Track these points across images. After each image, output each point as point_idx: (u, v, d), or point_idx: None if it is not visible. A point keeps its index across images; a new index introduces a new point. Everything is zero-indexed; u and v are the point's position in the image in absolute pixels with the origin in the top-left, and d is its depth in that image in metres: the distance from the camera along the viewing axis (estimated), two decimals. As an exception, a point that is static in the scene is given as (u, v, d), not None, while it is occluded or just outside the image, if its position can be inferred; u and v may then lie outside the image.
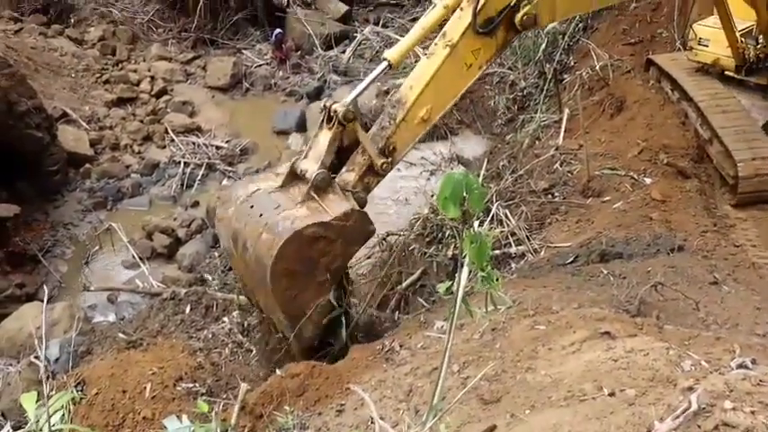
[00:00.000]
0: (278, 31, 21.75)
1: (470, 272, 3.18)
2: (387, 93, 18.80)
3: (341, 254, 8.29)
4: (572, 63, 17.08)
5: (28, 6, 22.05)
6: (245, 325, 10.44)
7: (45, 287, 12.36)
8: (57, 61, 20.03)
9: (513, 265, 10.84)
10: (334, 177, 8.43)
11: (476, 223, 3.15)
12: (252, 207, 8.32)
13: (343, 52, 22.30)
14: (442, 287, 3.12)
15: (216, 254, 13.85)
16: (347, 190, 8.32)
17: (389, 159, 8.58)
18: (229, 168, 17.39)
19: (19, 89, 14.79)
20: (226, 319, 10.68)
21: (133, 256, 14.35)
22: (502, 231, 11.22)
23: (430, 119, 9.04)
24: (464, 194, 2.90)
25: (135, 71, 20.79)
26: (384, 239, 11.58)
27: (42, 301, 12.61)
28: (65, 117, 17.67)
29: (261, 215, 8.14)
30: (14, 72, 14.98)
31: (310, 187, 8.12)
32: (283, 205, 8.19)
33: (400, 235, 11.85)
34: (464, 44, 8.39)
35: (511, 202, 12.12)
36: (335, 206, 8.06)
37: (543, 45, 16.94)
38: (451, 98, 9.51)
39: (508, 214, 11.72)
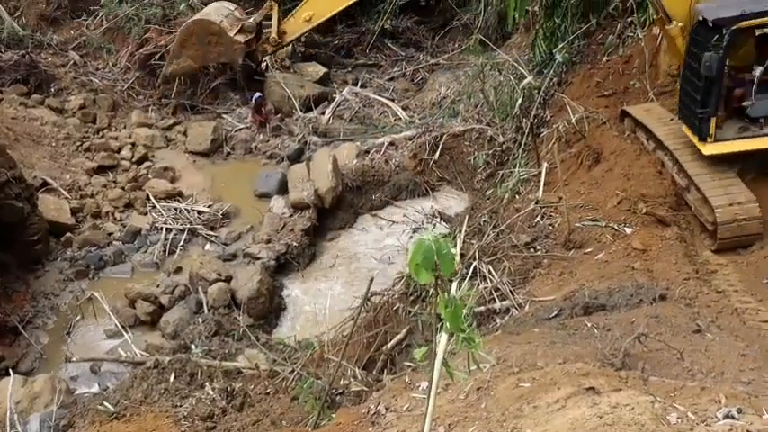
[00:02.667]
0: (257, 94, 21.89)
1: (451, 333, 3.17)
2: (366, 152, 19.02)
3: (214, 57, 20.12)
4: (548, 117, 17.27)
5: (8, 77, 22.16)
6: (229, 390, 10.33)
7: (9, 357, 12.20)
8: (37, 131, 20.04)
9: (498, 320, 10.81)
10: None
11: (453, 285, 3.15)
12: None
13: (323, 113, 22.39)
14: (418, 353, 3.10)
15: (200, 320, 13.73)
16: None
17: (279, 39, 19.47)
18: (211, 233, 17.32)
19: (-1, 160, 14.81)
20: (207, 385, 10.55)
21: (116, 325, 14.20)
22: (485, 287, 11.22)
23: (311, 21, 20.41)
24: (435, 260, 2.90)
25: (116, 138, 20.79)
26: (368, 299, 11.53)
27: (23, 374, 12.44)
28: (45, 186, 17.63)
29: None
30: (-6, 144, 15.02)
31: (239, 26, 17.74)
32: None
33: (384, 294, 11.82)
34: None
35: (493, 258, 12.14)
36: (242, 37, 19.05)
37: (519, 100, 17.12)
38: (328, 12, 20.75)
39: (491, 270, 11.73)
